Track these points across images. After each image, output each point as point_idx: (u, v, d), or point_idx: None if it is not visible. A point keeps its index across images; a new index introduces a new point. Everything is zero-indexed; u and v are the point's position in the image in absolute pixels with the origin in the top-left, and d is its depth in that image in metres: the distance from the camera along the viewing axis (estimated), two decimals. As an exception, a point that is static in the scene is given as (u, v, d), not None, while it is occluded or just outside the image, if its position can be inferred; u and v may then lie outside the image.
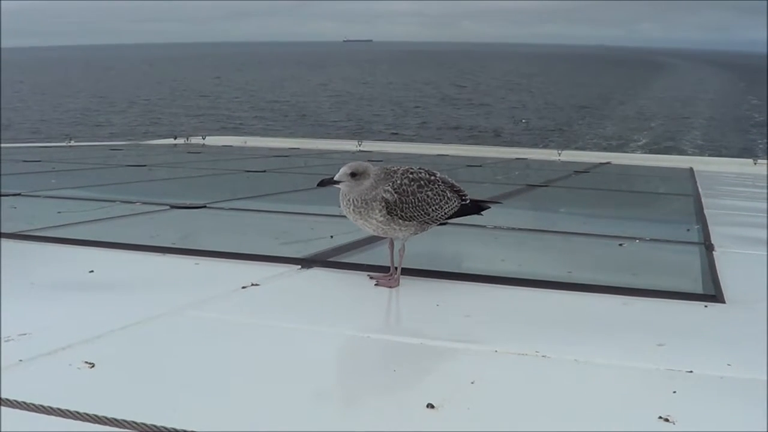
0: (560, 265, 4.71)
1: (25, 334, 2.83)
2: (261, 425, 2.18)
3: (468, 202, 4.04)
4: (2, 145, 14.94)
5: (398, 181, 3.77)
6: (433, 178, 3.89)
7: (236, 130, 35.11)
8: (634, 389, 2.56)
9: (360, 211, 3.78)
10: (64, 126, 39.62)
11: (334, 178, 3.77)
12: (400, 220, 3.79)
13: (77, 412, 2.02)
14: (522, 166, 13.37)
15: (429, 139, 33.74)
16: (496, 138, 37.68)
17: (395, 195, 3.74)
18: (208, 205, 5.84)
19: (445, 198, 3.90)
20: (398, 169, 3.84)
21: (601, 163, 14.09)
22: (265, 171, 10.62)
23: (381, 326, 3.23)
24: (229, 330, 3.17)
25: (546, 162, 14.32)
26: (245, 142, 17.36)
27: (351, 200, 3.78)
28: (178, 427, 2.00)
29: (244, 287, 3.68)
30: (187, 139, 17.00)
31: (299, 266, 4.17)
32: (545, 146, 29.58)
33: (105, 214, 5.95)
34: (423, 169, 3.90)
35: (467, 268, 4.41)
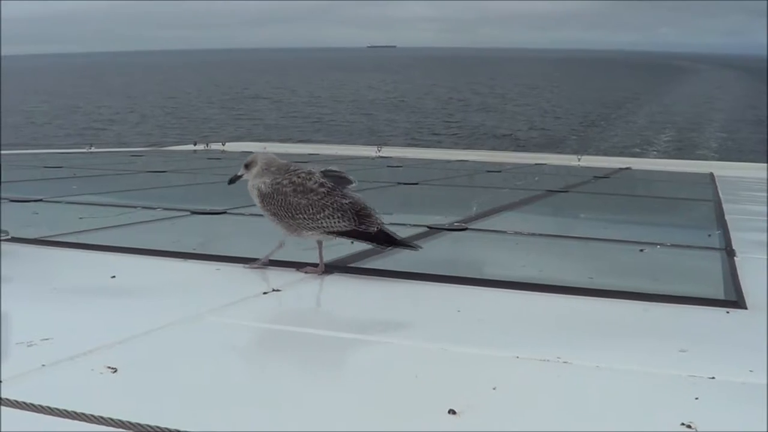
0: (581, 271, 4.71)
1: (47, 339, 2.83)
2: (281, 430, 2.18)
3: (373, 230, 4.03)
4: (24, 151, 14.99)
5: (279, 179, 4.02)
6: (322, 190, 3.98)
7: (259, 136, 35.20)
8: (656, 395, 2.55)
9: (251, 196, 4.13)
10: (85, 137, 39.74)
11: (238, 173, 4.16)
12: (269, 214, 4.06)
13: (100, 417, 2.03)
14: (542, 171, 13.35)
15: (449, 144, 33.73)
16: (516, 143, 37.63)
17: (269, 189, 4.02)
18: (228, 211, 5.84)
19: (323, 212, 3.96)
20: (295, 170, 4.09)
21: (621, 169, 14.04)
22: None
23: (402, 332, 3.22)
24: (250, 335, 3.18)
25: (566, 167, 14.30)
26: (265, 148, 17.36)
27: (248, 187, 4.14)
28: (202, 431, 2.01)
29: (265, 293, 3.69)
30: (207, 145, 17.03)
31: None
32: (565, 151, 29.51)
33: (126, 219, 5.97)
34: (319, 181, 4.01)
35: (488, 273, 4.42)
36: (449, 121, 49.88)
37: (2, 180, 4.48)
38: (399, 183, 10.30)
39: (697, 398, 2.46)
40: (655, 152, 35.73)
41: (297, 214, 3.97)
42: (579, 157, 16.10)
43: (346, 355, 2.93)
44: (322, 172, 4.11)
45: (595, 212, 8.54)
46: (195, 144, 17.67)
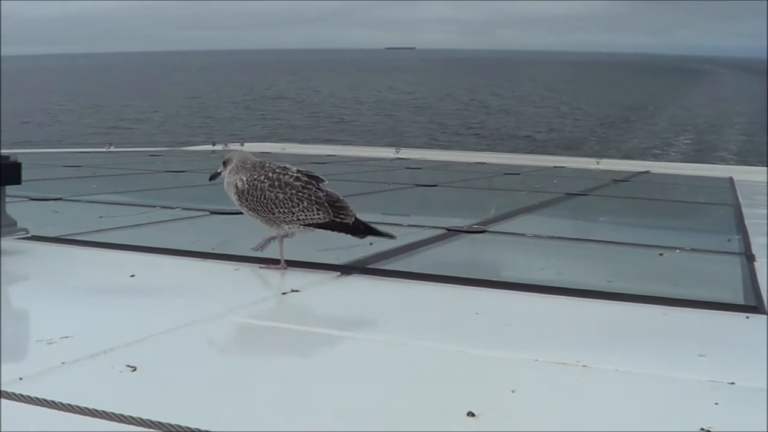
0: (600, 274, 4.70)
1: (67, 337, 2.84)
2: (300, 430, 2.19)
3: (349, 221, 4.11)
4: (44, 150, 15.03)
5: (255, 175, 4.11)
6: (298, 183, 4.09)
7: (283, 136, 35.31)
8: (675, 400, 2.55)
9: (228, 194, 4.23)
10: (113, 135, 39.95)
11: (217, 170, 4.29)
12: (247, 209, 4.15)
13: (120, 415, 2.04)
14: (560, 174, 13.33)
15: (468, 146, 33.71)
16: (535, 146, 37.58)
17: (246, 185, 4.11)
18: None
19: (300, 205, 4.04)
20: (269, 165, 4.17)
21: (640, 172, 14.02)
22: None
23: (420, 333, 3.22)
24: (269, 335, 3.19)
25: (584, 170, 14.27)
26: (283, 149, 17.37)
27: (224, 186, 4.24)
28: (222, 430, 2.01)
29: (284, 293, 3.69)
30: (226, 146, 17.04)
31: (338, 273, 4.17)
32: (584, 154, 29.45)
33: (145, 219, 5.98)
34: (294, 174, 4.12)
35: (507, 276, 4.41)
36: (468, 123, 49.85)
37: (23, 179, 4.49)
38: (417, 185, 10.30)
39: (716, 403, 2.45)
40: (674, 153, 35.68)
41: (275, 208, 4.06)
42: (598, 160, 16.07)
43: (364, 357, 2.93)
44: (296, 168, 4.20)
45: (614, 215, 8.53)
46: (214, 144, 17.68)
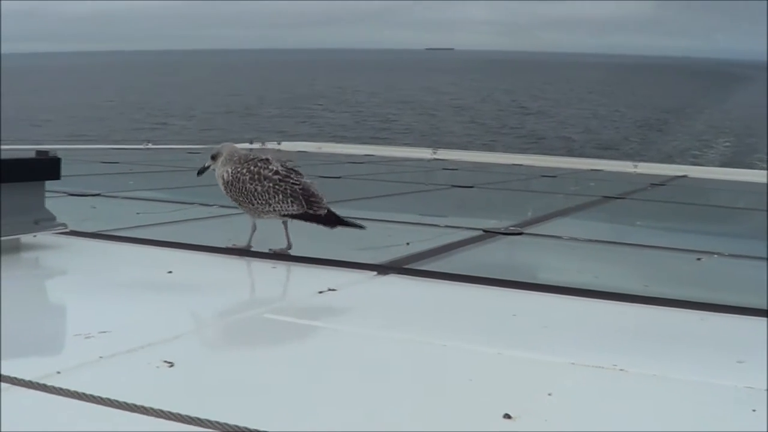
0: (636, 278, 4.69)
1: (105, 332, 2.86)
2: (335, 429, 2.19)
3: (322, 213, 4.37)
4: (83, 146, 15.12)
5: (239, 168, 4.36)
6: (276, 177, 4.31)
7: (322, 136, 35.43)
8: (713, 406, 2.53)
9: (219, 184, 4.46)
10: (147, 132, 40.27)
11: (205, 165, 4.52)
12: (232, 200, 4.43)
13: (159, 410, 2.04)
14: (597, 177, 13.29)
15: (504, 148, 33.66)
16: (572, 148, 37.49)
17: (230, 177, 4.36)
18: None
19: (276, 198, 4.30)
20: (252, 159, 4.41)
21: (678, 176, 13.95)
22: (340, 177, 10.65)
23: (457, 335, 3.21)
24: (306, 334, 3.19)
25: (622, 174, 14.20)
26: (320, 148, 17.38)
27: (216, 177, 4.47)
28: (256, 428, 2.02)
29: (320, 292, 3.70)
30: (263, 144, 17.06)
31: (375, 272, 4.17)
32: (621, 157, 29.35)
33: (182, 216, 6.01)
34: (274, 169, 4.36)
35: (543, 279, 4.40)
36: (506, 125, 49.82)
37: (62, 174, 4.52)
38: (454, 186, 10.29)
39: (754, 410, 2.44)
40: (713, 154, 35.51)
41: (254, 200, 4.31)
42: (635, 163, 16.00)
43: (400, 357, 2.93)
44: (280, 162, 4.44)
45: (651, 219, 8.48)
46: (251, 142, 17.71)
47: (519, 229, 5.89)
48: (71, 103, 58.70)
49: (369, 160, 14.64)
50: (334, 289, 3.74)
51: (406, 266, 4.36)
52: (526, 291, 3.93)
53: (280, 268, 4.22)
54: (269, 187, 4.29)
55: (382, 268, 4.23)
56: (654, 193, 11.07)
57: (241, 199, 4.36)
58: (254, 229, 4.47)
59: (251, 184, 4.31)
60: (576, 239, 5.75)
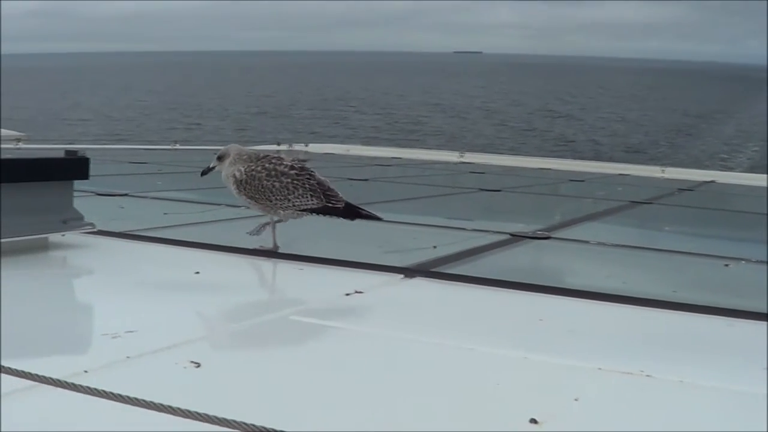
0: (664, 284, 4.67)
1: (132, 332, 2.86)
2: (361, 431, 2.19)
3: (340, 206, 4.42)
4: (112, 146, 15.19)
5: (252, 166, 4.37)
6: (293, 173, 4.36)
7: (352, 138, 35.55)
8: (740, 413, 2.52)
9: (227, 185, 4.47)
10: (177, 131, 40.54)
11: (210, 165, 4.53)
12: (246, 198, 4.41)
13: (186, 410, 2.05)
14: (625, 182, 13.26)
15: (532, 152, 33.62)
16: (600, 153, 37.42)
17: (244, 176, 4.36)
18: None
19: (295, 193, 4.34)
20: (265, 157, 4.45)
21: (706, 182, 13.90)
22: (368, 180, 10.65)
23: (484, 338, 3.20)
24: (332, 336, 3.19)
25: (649, 178, 14.17)
26: (348, 150, 17.39)
27: (222, 178, 4.48)
28: (282, 429, 2.02)
29: (347, 294, 3.69)
30: (290, 146, 17.09)
31: (402, 275, 4.17)
32: (649, 161, 29.29)
33: (210, 216, 6.03)
34: (288, 164, 4.41)
35: (571, 283, 4.38)
36: (534, 129, 49.78)
37: (90, 174, 4.54)
38: (481, 189, 10.28)
39: (782, 417, 2.43)
40: (741, 158, 35.38)
41: (272, 196, 4.33)
42: (663, 168, 15.95)
43: (426, 360, 2.92)
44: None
45: (679, 225, 8.46)
46: (278, 144, 17.74)
47: (546, 233, 5.88)
48: (105, 103, 59.14)
49: (396, 162, 14.66)
50: (360, 292, 3.74)
51: (433, 269, 4.35)
52: (553, 295, 3.91)
53: (307, 269, 4.22)
54: (288, 182, 4.33)
55: (409, 271, 4.23)
56: (682, 198, 11.04)
57: (257, 196, 4.37)
58: (274, 227, 4.52)
59: (268, 180, 4.33)
60: (603, 244, 5.73)
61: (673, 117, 58.18)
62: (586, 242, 5.76)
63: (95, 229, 4.46)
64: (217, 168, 4.51)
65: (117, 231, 4.92)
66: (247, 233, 4.59)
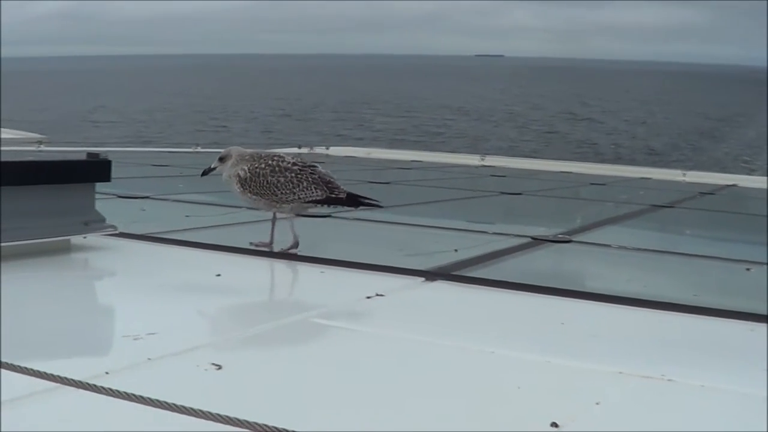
0: (685, 288, 4.66)
1: (153, 334, 2.87)
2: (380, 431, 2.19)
3: (343, 196, 4.57)
4: (134, 149, 15.24)
5: (256, 164, 4.52)
6: (296, 168, 4.53)
7: (375, 140, 35.63)
8: (762, 419, 2.51)
9: (229, 186, 4.61)
10: (205, 134, 40.72)
11: (211, 166, 4.68)
12: (251, 194, 4.53)
13: (208, 412, 2.05)
14: (646, 185, 13.23)
15: (553, 155, 33.59)
16: (621, 156, 37.35)
17: (248, 174, 4.51)
18: (332, 215, 5.88)
19: (300, 186, 4.50)
20: (267, 156, 4.62)
21: (727, 185, 13.86)
22: (389, 183, 10.65)
23: (505, 342, 3.20)
24: (353, 339, 3.19)
25: (671, 182, 14.14)
26: (369, 153, 17.41)
27: (223, 179, 4.62)
28: (303, 431, 2.02)
29: (368, 297, 3.70)
30: (311, 149, 17.11)
31: (423, 278, 4.16)
32: (671, 165, 29.20)
33: (231, 219, 6.03)
34: (291, 162, 4.57)
35: (592, 287, 4.37)
36: (556, 132, 49.74)
37: (112, 176, 4.56)
38: (502, 192, 10.27)
39: (805, 423, 2.42)
40: (761, 161, 35.25)
41: (277, 191, 4.49)
42: (684, 172, 15.92)
43: (447, 363, 2.92)
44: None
45: (701, 228, 8.44)
46: (300, 147, 17.77)
47: (567, 237, 5.87)
48: (130, 106, 59.37)
49: (417, 165, 14.65)
50: (382, 295, 3.74)
51: (454, 273, 4.35)
52: (574, 299, 3.90)
53: (328, 272, 4.22)
54: (292, 177, 4.49)
55: (430, 274, 4.23)
56: (703, 201, 11.01)
57: (262, 192, 4.51)
58: (274, 222, 4.71)
59: (272, 176, 4.48)
60: (625, 248, 5.72)
61: (695, 120, 58.03)
62: (608, 246, 5.75)
63: (117, 232, 4.48)
64: (218, 169, 4.65)
65: (138, 233, 4.93)
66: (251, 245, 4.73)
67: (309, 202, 4.54)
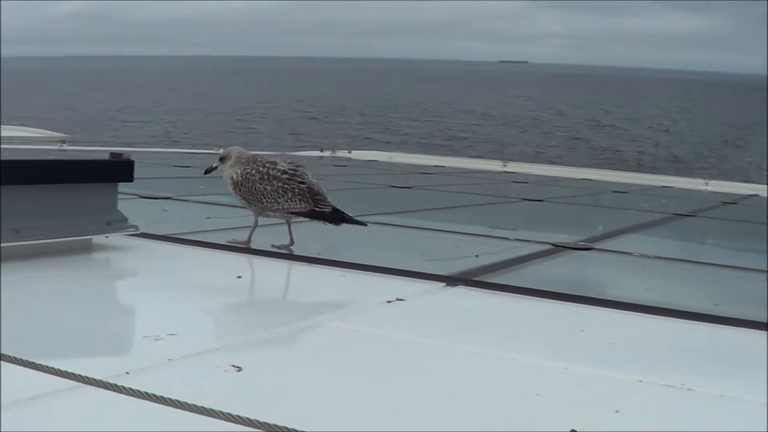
0: (706, 297, 4.64)
1: (173, 335, 2.88)
2: (398, 434, 2.20)
3: (327, 210, 4.63)
4: (157, 149, 15.28)
5: (248, 169, 4.59)
6: (284, 177, 4.57)
7: (405, 144, 35.70)
8: (782, 429, 2.50)
9: (227, 184, 4.70)
10: (234, 135, 40.86)
11: (212, 165, 4.79)
12: (241, 198, 4.67)
13: (228, 414, 2.05)
14: (668, 194, 13.20)
15: (578, 162, 33.54)
16: (643, 164, 37.27)
17: (240, 178, 4.59)
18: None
19: (285, 196, 4.56)
20: (260, 160, 4.66)
21: (750, 195, 13.82)
22: (411, 187, 10.66)
23: (525, 348, 3.20)
24: (373, 343, 3.19)
25: (693, 191, 14.12)
26: (391, 158, 17.41)
27: (223, 178, 4.71)
28: (321, 433, 2.03)
29: (389, 301, 3.70)
30: (333, 152, 17.13)
31: (444, 284, 4.16)
32: (693, 174, 29.14)
33: (252, 221, 6.04)
34: (282, 169, 4.61)
35: (612, 295, 4.36)
36: (579, 139, 49.69)
37: (134, 177, 4.58)
38: (524, 199, 10.26)
39: (825, 434, 2.41)
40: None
41: (263, 199, 4.58)
42: (706, 181, 15.89)
43: (466, 368, 2.92)
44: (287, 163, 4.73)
45: (722, 238, 8.42)
46: (322, 150, 17.78)
47: (588, 244, 5.86)
48: (155, 106, 59.59)
49: (439, 171, 14.65)
50: (402, 299, 3.74)
51: (474, 278, 4.35)
52: (594, 306, 3.89)
53: (349, 276, 4.22)
54: (278, 186, 4.55)
55: (451, 280, 4.22)
56: (725, 211, 10.98)
57: (250, 197, 4.61)
58: (256, 225, 4.78)
59: (260, 183, 4.55)
60: (646, 256, 5.70)
61: (718, 129, 57.87)
62: (629, 254, 5.73)
63: (138, 232, 4.49)
64: (219, 169, 4.74)
65: (160, 234, 4.94)
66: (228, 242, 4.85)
67: (292, 213, 4.64)
